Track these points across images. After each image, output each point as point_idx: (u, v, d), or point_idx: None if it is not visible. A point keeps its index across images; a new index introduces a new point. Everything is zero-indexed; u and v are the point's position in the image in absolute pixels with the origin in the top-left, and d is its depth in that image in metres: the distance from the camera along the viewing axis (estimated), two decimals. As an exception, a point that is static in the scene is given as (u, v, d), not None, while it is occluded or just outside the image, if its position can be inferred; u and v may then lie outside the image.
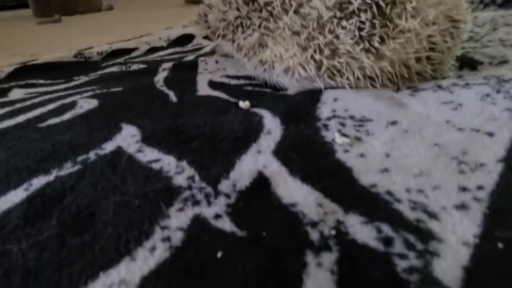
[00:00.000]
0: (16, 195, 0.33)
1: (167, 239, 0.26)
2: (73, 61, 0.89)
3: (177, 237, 0.26)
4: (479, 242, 0.24)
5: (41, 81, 0.75)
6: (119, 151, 0.40)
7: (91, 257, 0.25)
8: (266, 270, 0.23)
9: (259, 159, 0.36)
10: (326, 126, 0.42)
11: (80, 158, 0.39)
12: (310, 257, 0.24)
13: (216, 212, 0.29)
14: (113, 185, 0.33)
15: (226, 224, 0.27)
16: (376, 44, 0.46)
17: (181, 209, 0.29)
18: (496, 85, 0.49)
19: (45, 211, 0.30)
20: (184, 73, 0.69)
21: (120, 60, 0.89)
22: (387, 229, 0.25)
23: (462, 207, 0.27)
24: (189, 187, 0.32)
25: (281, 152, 0.37)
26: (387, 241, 0.24)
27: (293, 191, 0.31)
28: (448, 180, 0.30)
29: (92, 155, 0.40)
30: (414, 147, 0.35)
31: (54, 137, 0.45)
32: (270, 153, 0.37)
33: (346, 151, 0.36)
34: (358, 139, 0.38)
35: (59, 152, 0.41)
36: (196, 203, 0.30)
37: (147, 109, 0.53)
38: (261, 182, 0.32)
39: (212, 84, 0.62)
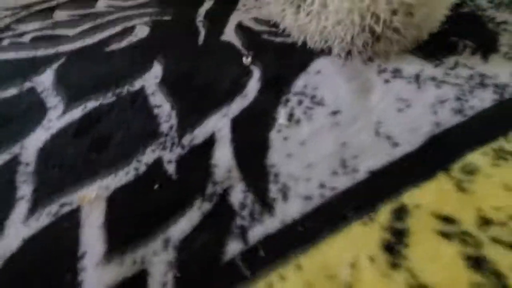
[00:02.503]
0: (77, 113, 0.55)
1: (137, 169, 0.46)
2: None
3: (142, 169, 0.45)
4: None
5: (120, -7, 0.92)
6: (141, 91, 0.58)
7: (98, 169, 0.46)
8: (177, 203, 0.42)
9: (220, 122, 0.51)
10: (287, 102, 0.53)
11: (117, 91, 0.58)
12: (197, 203, 0.41)
13: (170, 158, 0.47)
14: (127, 121, 0.53)
15: (171, 168, 0.45)
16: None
17: (153, 151, 0.48)
18: (471, 87, 0.51)
19: (86, 130, 0.52)
20: (224, 6, 0.79)
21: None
22: (250, 198, 0.41)
23: (307, 198, 0.40)
24: (167, 135, 0.50)
25: (238, 119, 0.51)
26: (242, 206, 0.40)
27: (222, 155, 0.46)
28: (319, 177, 0.42)
29: (125, 90, 0.59)
30: (326, 141, 0.46)
31: (110, 65, 0.65)
32: (230, 118, 0.51)
33: (279, 131, 0.49)
34: (297, 122, 0.50)
35: (108, 81, 0.61)
36: (164, 148, 0.48)
37: (177, 48, 0.67)
38: (209, 142, 0.48)
39: (238, 28, 0.72)
